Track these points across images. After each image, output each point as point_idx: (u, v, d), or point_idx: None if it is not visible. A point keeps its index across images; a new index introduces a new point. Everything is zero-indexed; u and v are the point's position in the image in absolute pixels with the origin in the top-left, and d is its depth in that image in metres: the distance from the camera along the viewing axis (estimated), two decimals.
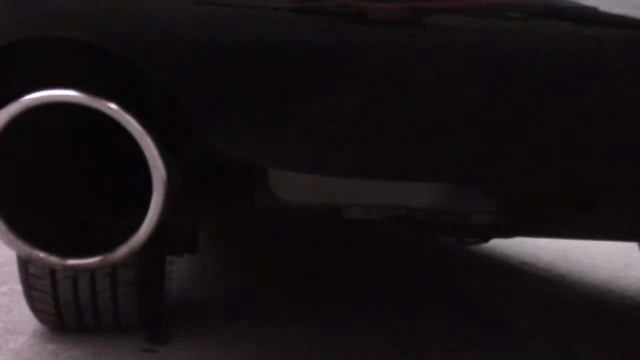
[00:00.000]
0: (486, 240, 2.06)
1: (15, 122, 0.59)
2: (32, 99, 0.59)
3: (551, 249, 2.94)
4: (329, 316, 1.74)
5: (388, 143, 0.73)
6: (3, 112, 0.58)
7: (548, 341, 1.67)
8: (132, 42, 0.62)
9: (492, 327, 1.78)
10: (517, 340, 1.66)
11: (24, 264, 1.32)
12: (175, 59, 0.62)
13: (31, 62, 0.65)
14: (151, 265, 1.44)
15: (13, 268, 1.54)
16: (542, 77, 0.65)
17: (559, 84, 0.66)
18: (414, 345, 1.54)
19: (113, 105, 0.61)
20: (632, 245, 2.16)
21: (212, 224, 2.02)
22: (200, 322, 1.57)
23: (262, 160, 0.80)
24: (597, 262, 2.71)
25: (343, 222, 2.12)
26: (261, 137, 0.71)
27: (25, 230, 0.61)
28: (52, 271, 1.31)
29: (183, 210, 1.33)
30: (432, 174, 0.83)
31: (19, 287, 1.46)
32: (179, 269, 2.14)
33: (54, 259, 0.61)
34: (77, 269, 0.62)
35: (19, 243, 0.61)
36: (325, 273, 2.32)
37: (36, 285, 1.33)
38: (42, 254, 0.61)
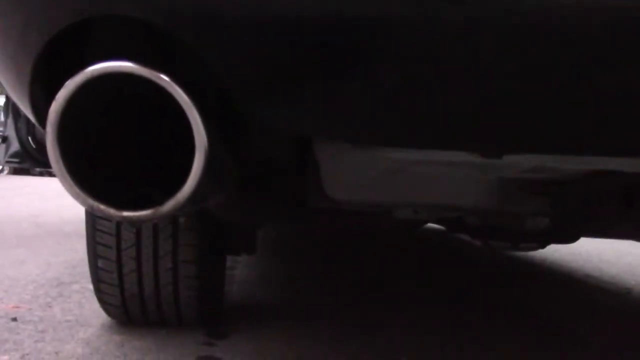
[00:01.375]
0: (542, 246, 2.04)
1: (83, 90, 0.67)
2: (94, 69, 0.68)
3: (619, 263, 2.85)
4: (385, 320, 1.76)
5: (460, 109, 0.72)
6: (71, 81, 0.67)
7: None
8: (195, 24, 0.67)
9: (549, 336, 1.76)
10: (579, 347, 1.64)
11: (94, 259, 1.42)
12: (236, 36, 0.67)
13: (100, 39, 0.74)
14: (211, 263, 1.50)
15: (85, 269, 1.65)
16: None
17: None
18: (471, 353, 1.55)
19: (164, 77, 0.69)
20: None
21: (268, 226, 2.09)
22: (259, 322, 1.61)
23: (312, 129, 0.80)
24: None
25: (399, 227, 2.14)
26: (311, 105, 0.73)
27: (89, 186, 0.69)
28: (119, 265, 1.40)
29: (238, 211, 1.40)
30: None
31: (90, 286, 1.56)
32: (240, 273, 2.21)
33: (112, 211, 0.69)
34: (131, 220, 0.69)
35: (83, 196, 0.69)
36: (385, 279, 2.34)
37: (104, 279, 1.42)
38: (102, 206, 0.69)
